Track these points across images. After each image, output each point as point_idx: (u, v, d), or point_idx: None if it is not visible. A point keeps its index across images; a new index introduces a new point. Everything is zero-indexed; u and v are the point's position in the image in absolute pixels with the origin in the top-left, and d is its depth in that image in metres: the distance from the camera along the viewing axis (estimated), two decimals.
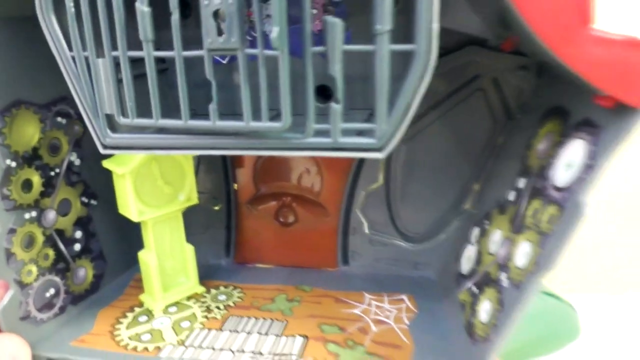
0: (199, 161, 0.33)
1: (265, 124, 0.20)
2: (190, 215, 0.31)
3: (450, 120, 0.29)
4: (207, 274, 0.33)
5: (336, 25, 0.18)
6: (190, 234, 0.31)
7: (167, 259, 0.31)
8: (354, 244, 0.33)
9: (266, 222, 0.34)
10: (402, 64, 0.19)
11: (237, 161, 0.33)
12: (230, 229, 0.34)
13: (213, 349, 0.26)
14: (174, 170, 0.29)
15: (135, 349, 0.27)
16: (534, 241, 0.21)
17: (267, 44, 0.19)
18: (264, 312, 0.29)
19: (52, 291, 0.29)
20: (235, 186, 0.34)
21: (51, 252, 0.29)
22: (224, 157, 0.33)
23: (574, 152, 0.20)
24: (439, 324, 0.27)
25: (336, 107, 0.19)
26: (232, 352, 0.26)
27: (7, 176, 0.26)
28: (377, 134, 0.19)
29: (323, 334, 0.27)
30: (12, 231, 0.26)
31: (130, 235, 0.34)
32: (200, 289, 0.32)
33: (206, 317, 0.29)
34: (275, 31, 0.18)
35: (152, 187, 0.29)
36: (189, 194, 0.30)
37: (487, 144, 0.29)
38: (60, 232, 0.29)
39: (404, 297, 0.30)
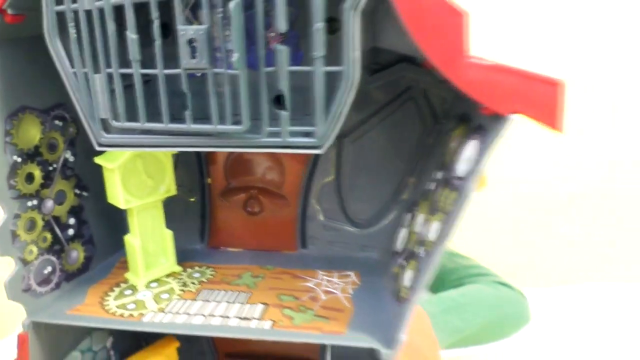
0: (177, 158, 0.38)
1: (229, 127, 0.25)
2: (171, 207, 0.37)
3: (389, 125, 0.35)
4: (185, 257, 0.39)
5: (282, 51, 0.24)
6: (170, 222, 0.37)
7: (149, 242, 0.36)
8: (311, 230, 0.39)
9: (236, 212, 0.39)
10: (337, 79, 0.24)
11: (210, 159, 0.39)
12: (205, 217, 0.40)
13: (188, 314, 0.31)
14: (156, 166, 0.34)
15: (122, 315, 0.32)
16: (441, 220, 0.27)
17: (230, 65, 0.24)
18: (232, 286, 0.35)
19: (49, 269, 0.34)
20: (209, 180, 0.39)
21: (49, 236, 0.34)
22: (198, 155, 0.38)
23: (471, 149, 0.26)
24: (376, 293, 0.33)
25: (284, 114, 0.25)
26: (204, 316, 0.31)
27: (14, 170, 0.31)
28: (317, 135, 0.25)
29: (280, 302, 0.32)
30: (17, 216, 0.31)
31: (116, 224, 0.39)
32: (178, 268, 0.37)
33: (183, 290, 0.34)
34: (235, 56, 0.23)
35: (137, 180, 0.34)
36: (168, 186, 0.35)
37: (419, 144, 0.35)
38: (56, 219, 0.34)
39: (351, 273, 0.36)
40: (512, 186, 1.22)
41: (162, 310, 0.32)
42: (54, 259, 0.34)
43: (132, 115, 0.26)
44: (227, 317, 0.31)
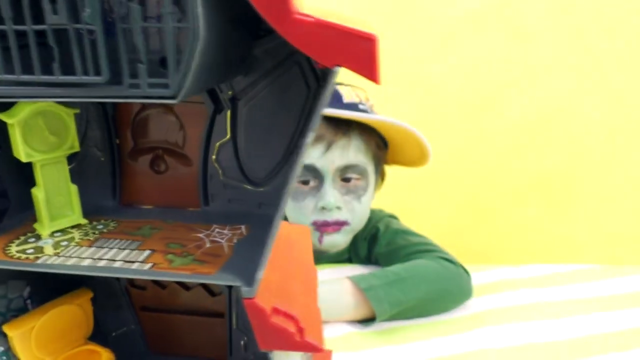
0: (87, 120, 0.41)
1: (91, 77, 0.28)
2: (85, 165, 0.39)
3: (277, 88, 0.38)
4: (96, 212, 0.41)
5: (135, 9, 0.26)
6: (84, 180, 0.39)
7: (55, 195, 0.38)
8: (212, 188, 0.41)
9: (144, 171, 0.42)
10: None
11: (118, 120, 0.41)
12: (115, 176, 0.42)
13: (79, 257, 0.34)
14: (58, 123, 0.37)
15: (19, 258, 0.34)
16: None
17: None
18: (129, 236, 0.37)
19: None
20: (118, 141, 0.42)
21: None
22: (106, 116, 0.41)
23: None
24: (258, 243, 0.36)
25: (142, 67, 0.27)
26: (93, 259, 0.34)
27: None
28: (171, 86, 0.27)
29: (167, 249, 0.35)
30: None
31: (32, 180, 0.41)
32: (84, 221, 0.40)
33: (82, 239, 0.37)
34: (87, 12, 0.26)
35: (39, 136, 0.36)
36: (71, 143, 0.38)
37: (305, 105, 0.38)
38: None
39: (243, 226, 0.39)
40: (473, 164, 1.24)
41: (57, 254, 0.35)
42: None
43: (10, 69, 0.29)
44: (114, 260, 0.34)
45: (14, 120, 0.35)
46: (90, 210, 0.40)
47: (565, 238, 1.28)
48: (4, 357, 0.40)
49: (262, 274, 0.30)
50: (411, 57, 1.22)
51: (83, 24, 0.27)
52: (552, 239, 1.28)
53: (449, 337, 0.62)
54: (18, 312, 0.41)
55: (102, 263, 0.33)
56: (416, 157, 0.79)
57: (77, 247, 0.36)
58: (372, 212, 0.82)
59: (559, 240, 1.28)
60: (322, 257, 0.83)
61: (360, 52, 0.25)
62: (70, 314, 0.42)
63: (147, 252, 0.35)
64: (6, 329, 0.39)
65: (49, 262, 0.34)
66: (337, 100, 0.73)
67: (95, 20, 0.26)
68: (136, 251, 0.35)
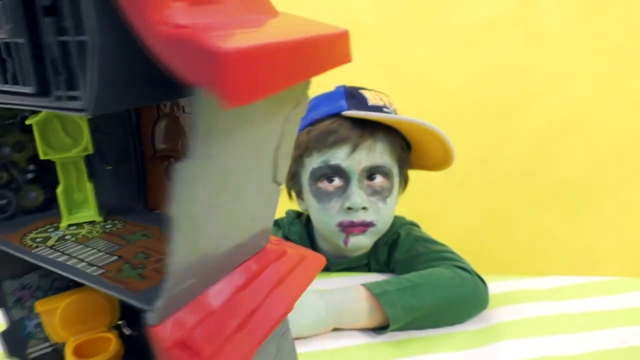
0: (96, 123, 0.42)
1: (22, 87, 0.28)
2: (119, 168, 0.41)
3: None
4: (120, 212, 0.43)
5: (48, 23, 0.25)
6: (120, 182, 0.42)
7: (74, 191, 0.41)
8: None
9: (161, 177, 0.43)
10: None
11: (139, 128, 0.43)
12: (139, 181, 0.44)
13: (61, 252, 0.36)
14: (74, 126, 0.40)
15: (24, 244, 0.37)
16: None
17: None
18: (118, 239, 0.38)
19: (4, 201, 0.41)
20: (141, 148, 0.43)
21: (5, 175, 0.41)
22: (130, 126, 0.42)
23: None
24: None
25: (60, 79, 0.26)
26: (68, 256, 0.35)
27: None
28: (82, 99, 0.26)
29: (132, 258, 0.35)
30: None
31: None
32: (99, 219, 0.42)
33: (84, 235, 0.39)
34: (7, 27, 0.26)
35: (56, 137, 0.39)
36: (85, 145, 0.40)
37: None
38: (14, 163, 0.42)
39: None
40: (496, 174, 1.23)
41: (52, 246, 0.37)
42: (9, 194, 0.42)
43: None
44: (82, 260, 0.34)
45: (33, 121, 0.37)
46: (119, 211, 0.43)
47: (586, 248, 1.26)
48: (39, 329, 0.45)
49: (164, 302, 0.27)
50: (431, 63, 1.21)
51: (9, 38, 0.27)
52: (571, 249, 1.26)
53: (464, 352, 0.61)
54: (59, 290, 0.45)
55: (70, 261, 0.34)
56: (440, 159, 0.79)
57: (74, 243, 0.38)
58: (394, 218, 0.82)
59: (579, 250, 1.26)
60: (342, 262, 0.83)
61: (208, 69, 0.20)
62: (95, 301, 0.44)
63: (113, 258, 0.35)
64: (37, 305, 0.43)
65: (37, 252, 0.36)
66: (362, 103, 0.74)
67: (17, 34, 0.26)
68: (107, 255, 0.35)
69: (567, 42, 1.17)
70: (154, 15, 0.21)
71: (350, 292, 0.65)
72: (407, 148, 0.80)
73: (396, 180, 0.78)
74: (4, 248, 0.37)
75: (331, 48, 0.29)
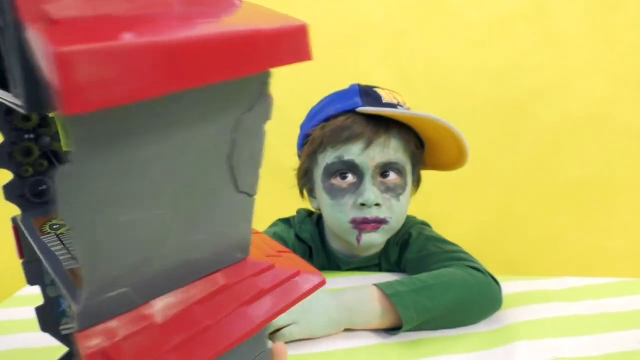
0: None
1: None
2: None
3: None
4: None
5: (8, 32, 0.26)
6: None
7: None
8: None
9: None
10: None
11: None
12: None
13: (60, 242, 0.36)
14: None
15: (42, 230, 0.39)
16: None
17: None
18: None
19: (44, 187, 0.44)
20: None
21: (46, 163, 0.44)
22: None
23: None
24: None
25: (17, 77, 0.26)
26: (63, 245, 0.35)
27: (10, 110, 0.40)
28: (20, 96, 0.26)
29: None
30: (14, 143, 0.41)
31: None
32: None
33: None
34: None
35: None
36: None
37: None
38: (54, 152, 0.44)
39: None
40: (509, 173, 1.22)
41: (60, 234, 0.38)
42: (49, 181, 0.44)
43: None
44: (70, 252, 0.35)
45: (54, 114, 0.37)
46: None
47: (600, 249, 1.24)
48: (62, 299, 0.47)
49: (82, 309, 0.26)
50: (442, 61, 1.20)
51: None
52: (586, 250, 1.25)
53: (478, 353, 0.60)
54: None
55: (61, 252, 0.35)
56: (454, 158, 0.78)
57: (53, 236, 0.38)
58: (406, 217, 0.82)
59: (593, 251, 1.24)
60: (353, 261, 0.82)
61: (50, 71, 0.18)
62: None
63: None
64: None
65: (44, 238, 0.37)
66: (377, 101, 0.74)
67: None
68: None
69: (581, 39, 1.16)
70: (33, 10, 0.20)
71: (362, 292, 0.65)
72: (420, 146, 0.79)
73: (409, 178, 0.78)
74: (22, 229, 0.38)
75: (271, 45, 0.25)
